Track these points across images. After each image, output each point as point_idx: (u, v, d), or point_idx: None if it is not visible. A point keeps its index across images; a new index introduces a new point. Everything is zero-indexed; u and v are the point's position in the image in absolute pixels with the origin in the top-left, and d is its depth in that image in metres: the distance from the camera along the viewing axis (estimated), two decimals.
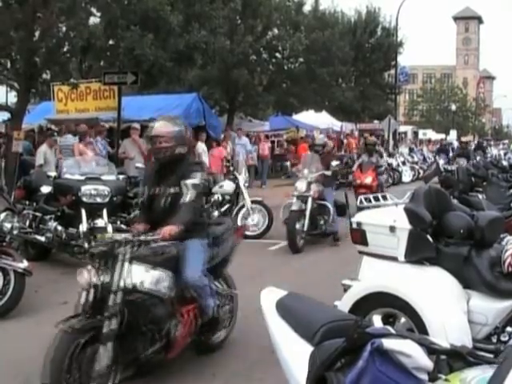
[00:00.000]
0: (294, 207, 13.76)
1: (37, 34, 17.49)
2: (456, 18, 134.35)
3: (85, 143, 16.79)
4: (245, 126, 33.38)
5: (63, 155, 16.80)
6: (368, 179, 17.58)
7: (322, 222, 14.33)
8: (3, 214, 8.91)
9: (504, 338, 5.62)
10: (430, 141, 60.18)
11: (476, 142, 45.40)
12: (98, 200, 11.30)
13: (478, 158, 27.04)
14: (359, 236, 6.64)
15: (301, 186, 14.00)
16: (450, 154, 30.56)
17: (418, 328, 5.44)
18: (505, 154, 38.49)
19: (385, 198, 7.71)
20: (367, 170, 17.90)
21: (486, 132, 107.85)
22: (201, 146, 21.48)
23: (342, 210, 15.04)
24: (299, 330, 3.11)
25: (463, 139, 33.10)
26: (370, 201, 7.60)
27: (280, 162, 35.66)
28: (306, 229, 13.53)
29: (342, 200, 15.40)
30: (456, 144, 43.21)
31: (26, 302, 8.65)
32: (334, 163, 15.05)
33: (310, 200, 13.78)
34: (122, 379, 5.62)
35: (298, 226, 13.47)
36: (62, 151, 17.14)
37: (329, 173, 14.57)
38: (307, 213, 13.64)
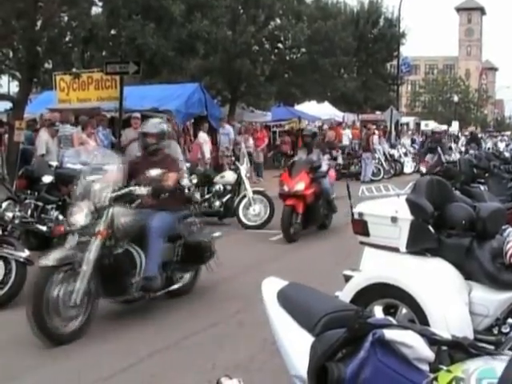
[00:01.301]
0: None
1: (39, 23, 17.45)
2: (459, 9, 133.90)
3: (87, 133, 16.76)
4: (247, 116, 33.31)
5: (63, 145, 16.78)
6: (299, 185, 13.51)
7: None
8: (5, 204, 8.93)
9: (505, 329, 5.61)
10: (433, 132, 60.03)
11: (469, 132, 43.23)
12: None
13: (471, 151, 23.67)
14: (361, 226, 6.63)
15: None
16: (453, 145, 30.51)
17: (419, 319, 5.43)
18: (506, 146, 38.33)
19: (387, 188, 7.71)
20: (298, 172, 13.83)
21: (488, 123, 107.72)
22: (202, 136, 21.44)
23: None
24: (300, 320, 3.11)
25: (435, 129, 26.09)
26: (371, 191, 7.59)
27: (276, 153, 35.58)
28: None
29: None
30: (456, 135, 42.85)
31: (27, 292, 8.64)
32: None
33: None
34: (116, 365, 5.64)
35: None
36: (62, 141, 17.10)
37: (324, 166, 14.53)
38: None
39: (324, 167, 14.57)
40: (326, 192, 14.42)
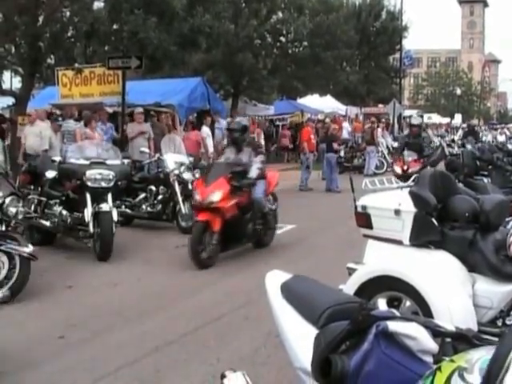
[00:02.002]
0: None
1: (41, 19, 17.49)
2: (461, 2, 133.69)
3: (91, 128, 16.76)
4: (249, 110, 33.31)
5: (66, 140, 16.81)
6: (214, 195, 10.63)
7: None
8: (8, 199, 8.92)
9: (509, 321, 5.62)
10: (443, 125, 60.14)
11: (466, 125, 41.64)
12: (103, 184, 11.29)
13: (468, 146, 20.51)
14: (364, 219, 6.64)
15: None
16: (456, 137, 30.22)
17: (423, 311, 5.43)
18: (510, 139, 38.18)
19: (390, 181, 7.71)
20: (216, 178, 10.93)
21: (491, 116, 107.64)
22: (205, 130, 21.44)
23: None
24: (304, 313, 3.11)
25: (413, 121, 19.22)
26: (375, 184, 7.59)
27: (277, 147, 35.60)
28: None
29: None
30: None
31: (31, 287, 8.66)
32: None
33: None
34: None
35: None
36: (65, 136, 17.13)
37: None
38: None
39: (254, 172, 11.40)
40: (257, 203, 11.53)
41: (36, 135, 16.46)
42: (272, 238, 12.49)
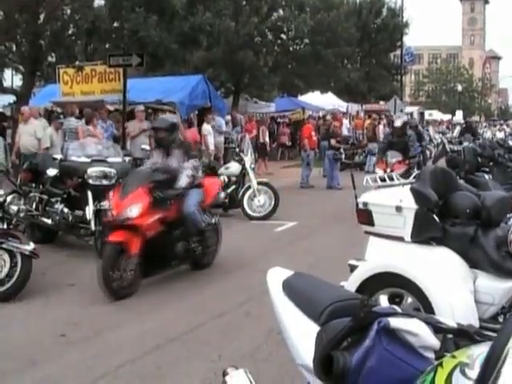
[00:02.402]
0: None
1: (41, 16, 17.50)
2: None
3: (93, 126, 16.76)
4: (250, 107, 33.31)
5: (67, 138, 16.80)
6: (131, 210, 8.73)
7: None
8: (10, 197, 8.94)
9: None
10: (440, 121, 60.08)
11: (464, 121, 40.41)
12: (104, 182, 11.29)
13: (465, 143, 19.30)
14: (365, 216, 6.65)
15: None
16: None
17: (424, 308, 5.43)
18: (510, 135, 38.07)
19: (391, 178, 7.71)
20: (133, 188, 8.98)
21: (492, 112, 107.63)
22: (206, 128, 21.45)
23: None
24: (305, 310, 3.11)
25: (395, 118, 19.37)
26: (376, 181, 7.59)
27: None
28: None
29: None
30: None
31: (33, 284, 8.66)
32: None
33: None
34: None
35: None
36: (66, 134, 17.12)
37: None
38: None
39: (183, 180, 9.45)
40: (189, 218, 9.54)
41: (30, 134, 16.42)
42: (213, 257, 10.47)
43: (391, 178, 7.68)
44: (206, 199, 10.15)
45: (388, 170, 13.58)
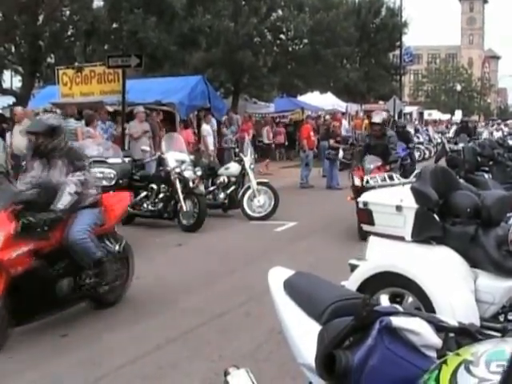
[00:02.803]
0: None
1: (41, 18, 17.51)
2: None
3: (93, 127, 16.75)
4: (250, 107, 33.31)
5: (67, 139, 16.74)
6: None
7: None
8: None
9: (511, 316, 5.62)
10: (437, 121, 60.07)
11: (459, 121, 38.62)
12: (104, 183, 11.30)
13: (461, 144, 18.15)
14: (366, 216, 6.66)
15: None
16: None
17: (425, 307, 5.43)
18: (509, 134, 38.00)
19: (391, 178, 7.71)
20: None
21: (491, 112, 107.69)
22: (206, 129, 21.45)
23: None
24: (307, 309, 3.11)
25: (374, 116, 14.89)
26: (376, 181, 7.60)
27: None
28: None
29: None
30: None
31: None
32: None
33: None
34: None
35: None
36: (66, 136, 17.06)
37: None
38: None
39: (64, 199, 7.30)
40: (78, 248, 7.37)
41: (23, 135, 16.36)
42: (123, 292, 8.50)
43: (391, 178, 7.69)
44: (107, 221, 8.12)
45: (365, 178, 11.88)
